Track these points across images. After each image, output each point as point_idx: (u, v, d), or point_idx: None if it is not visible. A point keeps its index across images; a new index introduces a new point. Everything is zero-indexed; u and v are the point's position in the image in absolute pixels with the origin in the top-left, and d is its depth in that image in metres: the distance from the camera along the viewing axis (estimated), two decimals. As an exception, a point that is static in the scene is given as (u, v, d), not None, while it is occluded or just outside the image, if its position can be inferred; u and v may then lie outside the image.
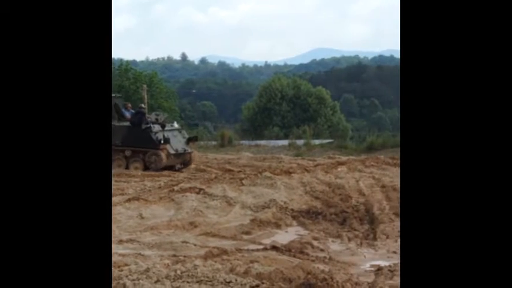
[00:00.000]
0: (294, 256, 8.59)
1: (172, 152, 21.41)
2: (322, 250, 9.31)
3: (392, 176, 15.32)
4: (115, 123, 21.79)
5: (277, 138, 37.61)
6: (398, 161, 18.31)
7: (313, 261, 8.32)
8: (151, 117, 22.28)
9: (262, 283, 6.46)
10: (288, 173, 16.71)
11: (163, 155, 21.17)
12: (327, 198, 13.08)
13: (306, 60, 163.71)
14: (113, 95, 24.14)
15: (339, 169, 17.38)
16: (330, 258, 8.74)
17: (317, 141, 32.34)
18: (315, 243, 9.72)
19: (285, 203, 12.55)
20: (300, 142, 30.66)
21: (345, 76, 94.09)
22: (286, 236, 10.42)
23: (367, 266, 8.47)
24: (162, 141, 21.16)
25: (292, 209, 12.21)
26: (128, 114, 22.33)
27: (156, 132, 21.36)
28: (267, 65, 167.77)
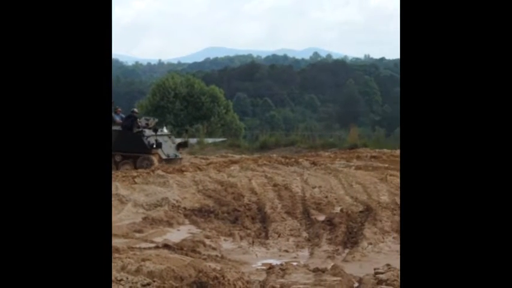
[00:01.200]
0: (186, 254, 8.57)
1: (164, 157, 20.81)
2: (214, 249, 9.33)
3: (285, 175, 15.51)
4: None
5: (170, 136, 37.35)
6: (291, 160, 18.56)
7: (205, 259, 8.32)
8: (142, 121, 21.64)
9: (154, 281, 6.41)
10: (181, 171, 16.65)
11: (155, 159, 20.54)
12: (220, 196, 13.11)
13: (199, 59, 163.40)
14: None
15: (232, 168, 17.46)
16: (222, 257, 8.77)
17: (210, 140, 32.35)
18: (207, 241, 9.73)
19: (177, 201, 12.50)
20: (193, 141, 30.59)
21: (238, 75, 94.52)
22: (178, 234, 10.38)
23: (258, 264, 8.54)
24: (154, 146, 20.54)
25: (184, 208, 12.18)
26: (118, 119, 21.63)
27: (148, 137, 20.71)
28: (161, 63, 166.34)
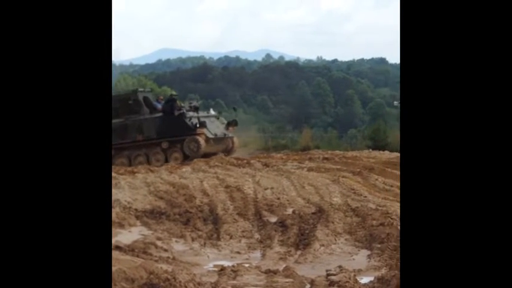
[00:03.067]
0: (137, 256, 8.50)
1: (210, 136, 20.21)
2: (165, 250, 9.28)
3: (237, 177, 15.51)
4: (146, 116, 20.66)
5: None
6: (243, 162, 18.57)
7: (156, 261, 8.27)
8: (185, 105, 21.12)
9: (104, 284, 6.34)
10: (132, 172, 16.55)
11: (201, 140, 19.97)
12: (171, 198, 13.05)
13: (152, 60, 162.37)
14: (141, 89, 22.87)
15: (184, 169, 17.41)
16: (174, 258, 8.72)
17: (162, 141, 32.21)
18: (159, 243, 9.67)
19: (128, 202, 12.40)
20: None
21: (190, 76, 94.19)
22: (129, 236, 10.29)
23: (210, 266, 8.52)
24: (197, 125, 19.93)
25: (135, 209, 12.09)
26: (159, 106, 21.09)
27: (190, 117, 20.12)
28: (113, 65, 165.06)
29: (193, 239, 10.16)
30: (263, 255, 9.13)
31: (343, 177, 14.90)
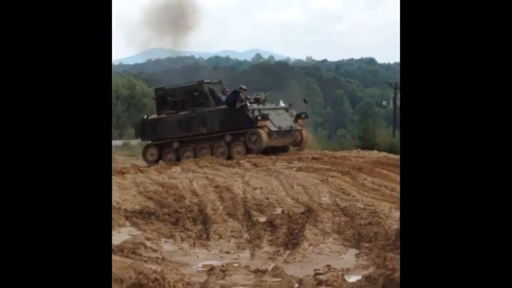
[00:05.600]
0: (127, 256, 8.50)
1: (274, 129, 19.58)
2: (155, 250, 9.28)
3: (226, 177, 15.52)
4: (210, 108, 20.27)
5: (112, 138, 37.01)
6: (232, 162, 18.57)
7: (145, 261, 8.27)
8: (252, 98, 20.46)
9: (93, 284, 6.35)
10: (122, 173, 16.51)
11: (263, 133, 19.39)
12: (160, 198, 13.05)
13: (141, 60, 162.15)
14: (208, 81, 22.01)
15: (173, 169, 17.40)
16: (163, 259, 8.73)
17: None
18: (148, 243, 9.67)
19: (118, 203, 12.39)
20: (134, 142, 30.36)
21: (180, 76, 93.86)
22: (119, 236, 10.28)
23: (199, 266, 8.53)
24: (258, 118, 19.34)
25: (125, 209, 12.08)
26: (223, 98, 20.66)
27: (253, 110, 19.53)
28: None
29: (182, 239, 10.17)
30: (252, 255, 9.15)
31: (332, 177, 14.94)
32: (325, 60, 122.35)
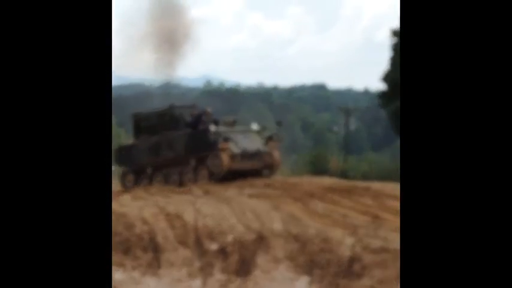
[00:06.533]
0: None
1: (237, 151, 19.08)
2: (104, 280, 9.17)
3: (177, 204, 15.42)
4: (176, 132, 19.99)
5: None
6: (184, 189, 18.48)
7: (95, 291, 8.16)
8: (221, 121, 20.05)
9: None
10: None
11: (224, 156, 18.84)
12: (111, 227, 12.91)
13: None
14: (179, 105, 21.64)
15: (123, 197, 17.24)
16: (113, 288, 8.63)
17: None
18: (98, 273, 9.55)
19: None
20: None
21: (132, 104, 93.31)
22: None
23: (150, 295, 8.45)
24: (216, 140, 18.80)
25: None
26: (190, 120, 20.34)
27: (214, 132, 18.99)
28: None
29: (133, 268, 10.08)
30: (204, 283, 9.11)
31: (284, 203, 14.96)
32: (276, 86, 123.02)
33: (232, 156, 19.16)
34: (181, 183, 20.15)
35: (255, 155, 19.86)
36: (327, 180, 21.05)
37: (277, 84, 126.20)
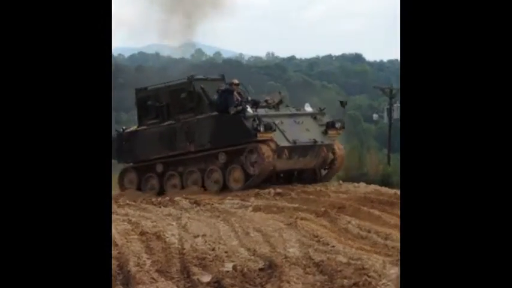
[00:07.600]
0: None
1: (283, 144, 18.15)
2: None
3: (156, 220, 15.47)
4: (198, 116, 19.00)
5: None
6: (164, 199, 18.55)
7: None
8: (262, 100, 19.14)
9: None
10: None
11: (266, 150, 17.91)
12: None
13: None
14: (200, 77, 20.51)
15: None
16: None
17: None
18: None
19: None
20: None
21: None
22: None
23: None
24: (259, 129, 17.67)
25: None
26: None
27: (253, 117, 17.92)
28: None
29: (94, 308, 10.16)
30: (192, 329, 9.18)
31: (302, 219, 15.00)
32: (292, 57, 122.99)
33: (278, 151, 18.39)
34: (204, 188, 19.60)
35: (310, 148, 18.99)
36: (362, 188, 21.04)
37: (294, 55, 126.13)
